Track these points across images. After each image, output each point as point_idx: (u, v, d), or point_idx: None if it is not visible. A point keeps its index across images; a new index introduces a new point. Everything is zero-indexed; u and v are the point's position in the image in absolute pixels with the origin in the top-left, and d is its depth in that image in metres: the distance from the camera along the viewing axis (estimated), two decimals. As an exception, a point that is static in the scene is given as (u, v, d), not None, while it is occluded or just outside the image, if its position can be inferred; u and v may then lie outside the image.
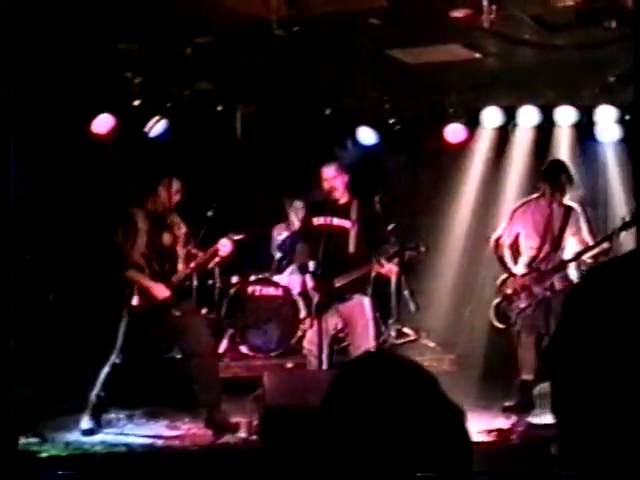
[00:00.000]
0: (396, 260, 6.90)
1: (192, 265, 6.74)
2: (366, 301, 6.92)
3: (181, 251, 6.76)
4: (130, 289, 6.62)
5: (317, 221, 7.01)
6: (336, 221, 6.95)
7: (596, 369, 2.60)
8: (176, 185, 6.72)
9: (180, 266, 6.73)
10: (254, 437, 6.31)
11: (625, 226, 7.20)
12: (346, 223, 6.95)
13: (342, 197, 7.01)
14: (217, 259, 6.81)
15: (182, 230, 6.79)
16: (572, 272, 7.53)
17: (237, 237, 6.77)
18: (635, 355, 2.49)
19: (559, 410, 2.68)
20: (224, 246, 6.63)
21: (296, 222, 8.83)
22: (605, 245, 7.31)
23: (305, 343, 7.07)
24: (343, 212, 6.98)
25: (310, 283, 6.90)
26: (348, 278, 6.83)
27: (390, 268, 6.89)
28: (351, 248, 6.94)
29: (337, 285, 6.83)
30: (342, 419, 1.66)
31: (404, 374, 1.63)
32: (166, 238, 6.73)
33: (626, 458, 2.38)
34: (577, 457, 2.66)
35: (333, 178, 6.97)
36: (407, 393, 1.61)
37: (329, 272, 6.83)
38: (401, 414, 1.60)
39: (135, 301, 6.58)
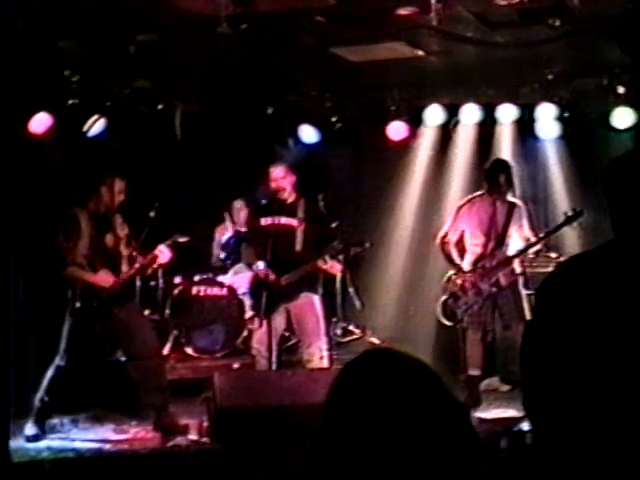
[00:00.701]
0: (341, 257, 6.93)
1: (134, 268, 6.64)
2: (316, 299, 6.92)
3: (124, 252, 6.66)
4: (73, 290, 6.49)
5: (264, 221, 6.99)
6: (283, 220, 6.94)
7: (569, 365, 2.61)
8: (119, 185, 6.60)
9: (124, 267, 6.63)
10: (205, 439, 6.23)
11: (567, 221, 7.33)
12: (293, 222, 6.95)
13: (289, 197, 7.01)
14: (156, 265, 6.75)
15: (125, 231, 6.70)
16: (517, 268, 7.63)
17: (182, 239, 6.71)
18: (611, 349, 2.51)
19: (531, 407, 2.69)
20: (161, 252, 6.57)
21: (235, 222, 8.79)
22: (546, 241, 7.44)
23: (254, 343, 7.02)
24: (290, 211, 6.98)
25: (261, 273, 6.86)
26: (295, 276, 6.82)
27: (334, 265, 6.91)
28: (298, 247, 6.93)
29: (284, 283, 6.81)
30: (347, 416, 1.63)
31: (409, 371, 1.61)
32: (109, 239, 6.61)
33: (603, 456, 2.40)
34: (550, 453, 2.67)
35: (282, 178, 6.96)
36: (412, 390, 1.59)
37: (277, 270, 6.81)
38: (406, 411, 1.58)
39: (78, 302, 6.45)
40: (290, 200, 7.00)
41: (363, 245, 7.15)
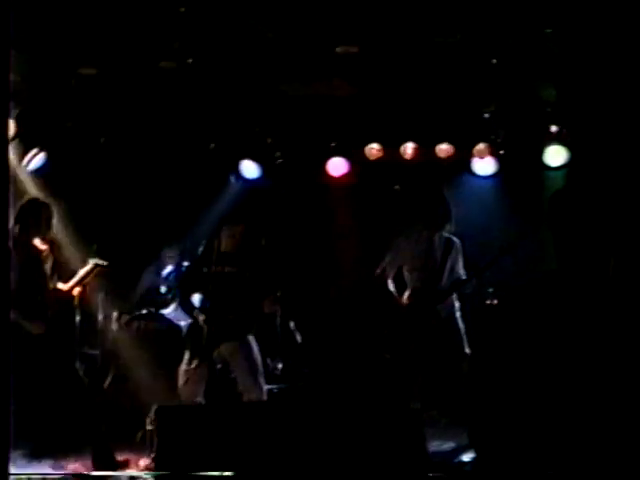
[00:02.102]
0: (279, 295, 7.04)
1: (70, 286, 6.61)
2: (252, 341, 6.95)
3: (51, 283, 6.62)
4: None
5: (206, 269, 7.00)
6: (227, 268, 6.98)
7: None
8: (45, 213, 6.57)
9: (51, 297, 6.58)
10: (144, 473, 6.18)
11: (501, 255, 7.48)
12: (234, 269, 6.98)
13: (233, 248, 7.02)
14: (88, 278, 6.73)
15: (51, 261, 6.65)
16: (455, 302, 7.76)
17: (101, 263, 6.74)
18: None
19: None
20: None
21: (169, 266, 8.80)
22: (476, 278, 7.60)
23: (183, 384, 6.98)
24: (232, 260, 7.00)
25: (201, 317, 6.87)
26: (237, 316, 6.86)
27: (275, 308, 7.00)
28: (240, 290, 6.97)
29: (224, 323, 6.85)
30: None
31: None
32: (37, 270, 6.55)
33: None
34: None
35: (240, 233, 6.99)
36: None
37: (218, 311, 6.85)
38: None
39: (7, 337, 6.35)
40: (233, 250, 7.03)
41: (274, 296, 7.24)
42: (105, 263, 6.80)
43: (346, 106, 8.31)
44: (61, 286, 6.64)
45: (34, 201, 6.67)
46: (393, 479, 5.35)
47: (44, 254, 6.60)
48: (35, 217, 6.51)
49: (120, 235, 8.87)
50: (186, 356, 6.95)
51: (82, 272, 6.68)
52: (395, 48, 6.77)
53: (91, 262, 6.73)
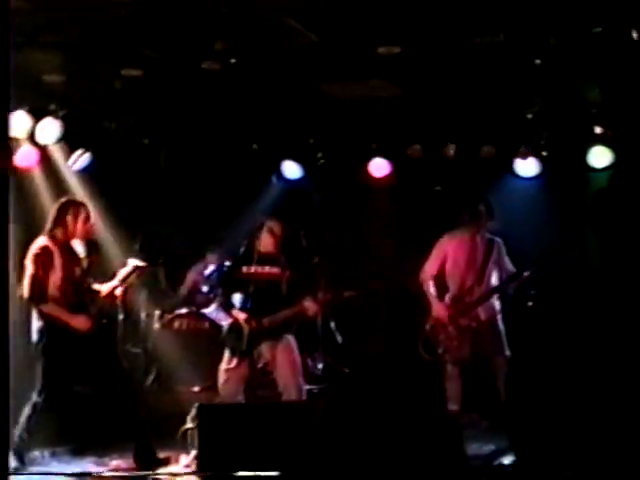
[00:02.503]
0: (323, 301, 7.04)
1: (101, 301, 6.67)
2: (291, 339, 6.98)
3: (87, 282, 6.68)
4: (47, 325, 6.47)
5: (247, 270, 7.04)
6: (267, 269, 7.02)
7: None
8: (83, 214, 6.64)
9: (89, 296, 6.65)
10: (185, 471, 6.23)
11: (542, 259, 7.44)
12: (276, 270, 7.02)
13: (274, 248, 7.06)
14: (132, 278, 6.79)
15: (88, 261, 6.71)
16: (496, 303, 7.72)
17: (141, 265, 6.81)
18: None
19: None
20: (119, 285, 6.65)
21: (212, 266, 8.86)
22: (526, 275, 7.54)
23: (223, 382, 7.02)
24: (273, 260, 7.04)
25: (241, 316, 6.92)
26: (277, 319, 6.90)
27: (313, 308, 7.02)
28: (282, 291, 7.02)
29: (266, 325, 6.89)
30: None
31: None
32: (77, 271, 6.62)
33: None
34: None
35: (274, 229, 7.03)
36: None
37: (259, 311, 6.89)
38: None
39: (51, 337, 6.44)
40: (273, 250, 7.07)
41: (342, 296, 7.22)
42: (145, 265, 6.85)
43: (388, 107, 8.30)
44: (100, 287, 6.71)
45: (72, 202, 6.73)
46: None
47: (82, 255, 6.67)
48: (73, 217, 6.58)
49: (163, 235, 8.95)
50: (226, 355, 6.99)
51: (122, 274, 6.75)
52: (437, 48, 6.73)
53: (131, 264, 6.79)
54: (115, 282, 6.72)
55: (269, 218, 7.21)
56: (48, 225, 6.62)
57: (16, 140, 7.94)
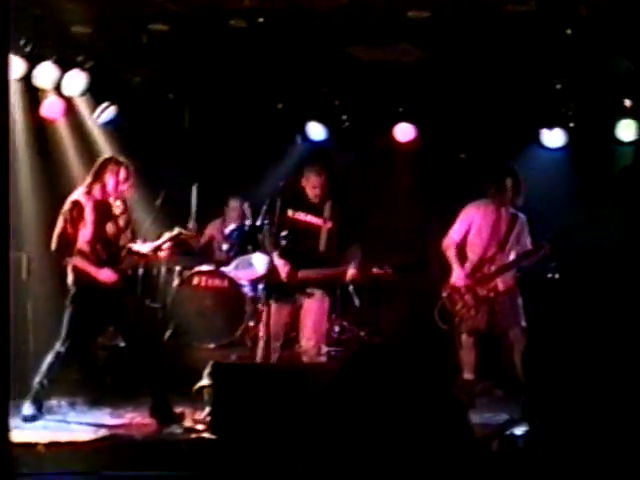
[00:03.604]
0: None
1: (135, 261, 6.73)
2: (325, 298, 7.02)
3: (123, 240, 6.73)
4: (74, 277, 6.55)
5: (292, 214, 7.09)
6: (309, 218, 7.05)
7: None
8: (123, 173, 6.65)
9: (123, 258, 6.70)
10: (199, 427, 6.30)
11: (563, 232, 7.40)
12: (319, 221, 7.05)
13: (317, 196, 7.09)
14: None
15: (125, 220, 6.76)
16: (515, 274, 7.71)
17: (187, 232, 6.88)
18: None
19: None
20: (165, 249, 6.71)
21: (227, 220, 8.87)
22: (544, 251, 7.52)
23: (260, 332, 7.07)
24: (317, 210, 7.07)
25: (283, 267, 6.90)
26: (315, 274, 6.93)
27: (357, 278, 7.05)
28: (321, 246, 7.06)
29: (300, 277, 6.92)
30: (345, 412, 1.68)
31: (407, 366, 1.67)
32: (110, 228, 6.66)
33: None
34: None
35: (318, 175, 7.04)
36: (409, 385, 1.65)
37: (296, 263, 6.92)
38: (404, 405, 1.64)
39: (79, 289, 6.52)
40: (317, 199, 7.10)
41: (385, 271, 7.27)
42: (189, 233, 6.93)
43: (416, 72, 8.23)
44: (140, 248, 6.75)
45: (113, 160, 6.73)
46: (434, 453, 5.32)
47: (119, 212, 6.70)
48: (113, 175, 6.60)
49: (186, 191, 8.96)
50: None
51: (165, 237, 6.82)
52: (468, 15, 6.66)
53: (176, 230, 6.86)
54: (157, 244, 6.79)
55: (312, 167, 7.21)
56: (87, 179, 6.67)
57: (43, 91, 7.97)
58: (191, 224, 7.28)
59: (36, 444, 5.92)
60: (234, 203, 8.98)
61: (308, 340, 6.93)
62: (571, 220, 7.47)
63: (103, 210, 6.62)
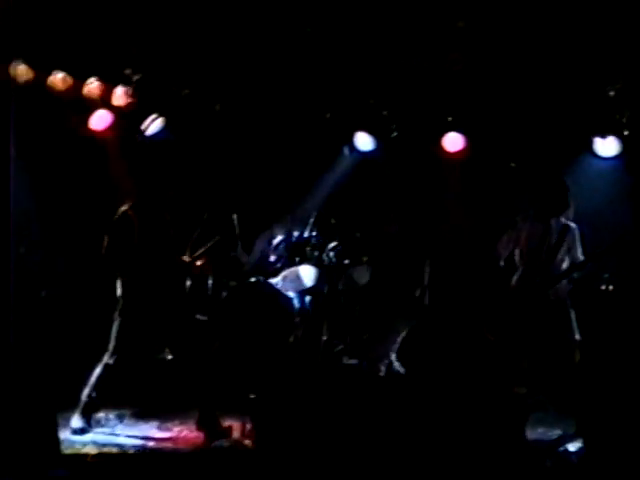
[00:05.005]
0: None
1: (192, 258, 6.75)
2: None
3: (172, 252, 6.72)
4: (124, 289, 6.54)
5: None
6: None
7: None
8: (171, 184, 6.66)
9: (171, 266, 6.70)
10: (247, 441, 6.25)
11: (617, 243, 7.23)
12: None
13: None
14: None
15: (173, 231, 6.75)
16: (565, 286, 7.57)
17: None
18: None
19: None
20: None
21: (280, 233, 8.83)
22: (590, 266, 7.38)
23: None
24: None
25: None
26: None
27: None
28: None
29: None
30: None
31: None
32: (159, 239, 6.66)
33: None
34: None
35: None
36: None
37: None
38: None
39: (127, 301, 6.52)
40: None
41: None
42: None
43: (464, 80, 8.14)
44: (186, 258, 6.75)
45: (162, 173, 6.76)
46: (490, 464, 5.21)
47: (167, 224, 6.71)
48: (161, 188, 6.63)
49: (234, 203, 8.95)
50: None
51: (208, 245, 6.80)
52: (516, 22, 6.56)
53: (217, 237, 6.85)
54: (199, 252, 6.78)
55: None
56: (135, 191, 6.69)
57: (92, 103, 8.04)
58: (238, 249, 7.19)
59: (86, 456, 5.93)
60: (282, 215, 8.96)
61: None
62: (625, 231, 7.29)
63: (153, 222, 6.62)
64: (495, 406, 5.64)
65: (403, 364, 7.61)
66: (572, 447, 6.11)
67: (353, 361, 8.14)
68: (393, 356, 7.58)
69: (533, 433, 6.75)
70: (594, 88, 8.17)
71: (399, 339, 7.73)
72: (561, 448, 6.21)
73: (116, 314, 6.55)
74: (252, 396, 6.20)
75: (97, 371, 6.54)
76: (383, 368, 7.66)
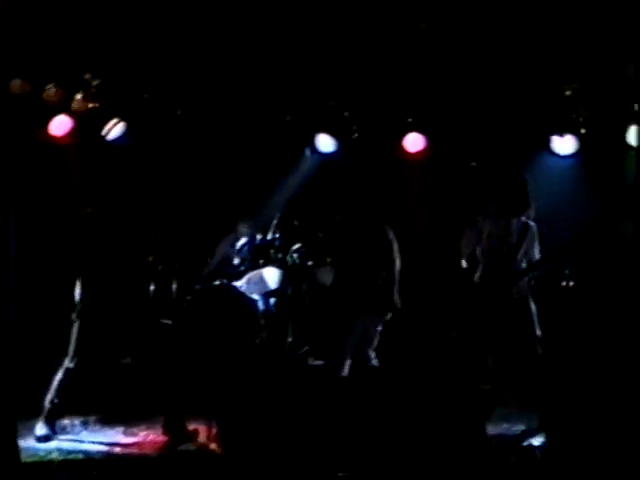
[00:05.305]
0: None
1: None
2: None
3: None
4: (81, 291, 6.52)
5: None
6: None
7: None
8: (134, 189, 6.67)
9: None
10: (213, 445, 6.25)
11: (575, 240, 7.32)
12: None
13: None
14: None
15: (135, 234, 6.74)
16: (527, 283, 7.65)
17: None
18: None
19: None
20: None
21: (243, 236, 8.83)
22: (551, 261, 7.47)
23: None
24: None
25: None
26: None
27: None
28: None
29: None
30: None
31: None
32: (123, 242, 6.65)
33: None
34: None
35: None
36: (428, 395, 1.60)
37: None
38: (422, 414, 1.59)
39: (86, 303, 6.49)
40: None
41: None
42: None
43: (424, 81, 8.21)
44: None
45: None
46: (454, 460, 5.26)
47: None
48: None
49: (196, 207, 8.95)
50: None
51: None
52: (475, 23, 6.63)
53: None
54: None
55: None
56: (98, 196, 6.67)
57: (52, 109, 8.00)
58: None
59: (50, 463, 5.90)
60: (243, 224, 8.97)
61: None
62: (583, 227, 7.38)
63: (114, 225, 6.60)
64: (458, 402, 5.70)
65: (380, 359, 7.69)
66: (536, 442, 6.18)
67: (318, 362, 8.19)
68: (371, 353, 7.62)
69: (497, 428, 6.82)
70: (551, 88, 8.28)
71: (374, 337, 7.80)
72: (525, 443, 6.28)
73: (74, 316, 6.50)
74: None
75: (58, 376, 6.48)
76: (347, 368, 7.70)
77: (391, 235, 7.36)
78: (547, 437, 5.94)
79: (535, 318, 7.50)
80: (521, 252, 7.55)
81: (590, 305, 8.08)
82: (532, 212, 7.56)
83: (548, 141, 8.76)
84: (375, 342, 7.40)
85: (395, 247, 7.30)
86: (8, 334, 6.90)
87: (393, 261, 7.29)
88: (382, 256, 7.30)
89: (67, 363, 6.48)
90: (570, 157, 8.80)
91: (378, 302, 7.32)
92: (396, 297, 7.43)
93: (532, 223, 7.60)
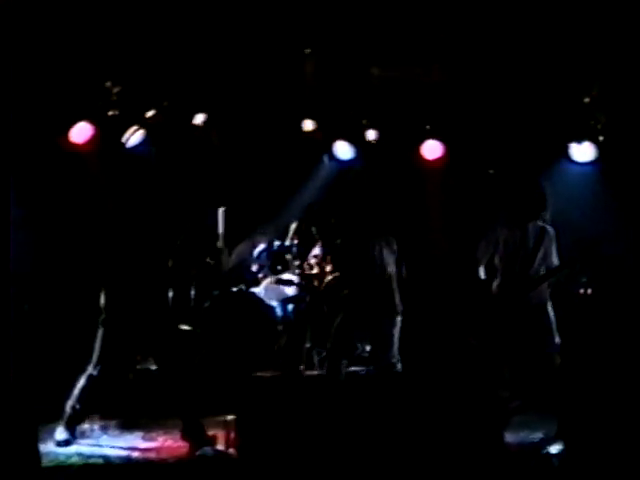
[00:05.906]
0: None
1: None
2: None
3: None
4: (105, 299, 6.57)
5: None
6: None
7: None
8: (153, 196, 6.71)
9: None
10: (232, 450, 6.27)
11: (593, 247, 7.31)
12: None
13: None
14: None
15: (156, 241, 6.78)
16: (546, 290, 7.64)
17: None
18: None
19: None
20: None
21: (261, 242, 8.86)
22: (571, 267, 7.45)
23: None
24: None
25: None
26: None
27: None
28: None
29: None
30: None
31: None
32: (144, 250, 6.70)
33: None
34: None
35: None
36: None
37: None
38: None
39: (110, 311, 6.54)
40: None
41: None
42: None
43: (442, 89, 8.23)
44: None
45: None
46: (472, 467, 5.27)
47: None
48: None
49: (214, 213, 8.99)
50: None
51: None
52: (495, 32, 6.65)
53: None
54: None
55: None
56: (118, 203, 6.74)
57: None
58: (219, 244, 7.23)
59: (70, 467, 5.94)
60: (262, 231, 9.01)
61: None
62: (602, 234, 7.37)
63: (135, 233, 6.65)
64: (477, 409, 5.70)
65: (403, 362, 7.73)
66: (554, 450, 6.17)
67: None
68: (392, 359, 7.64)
69: (515, 436, 6.82)
70: (569, 95, 8.27)
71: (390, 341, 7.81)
72: (543, 451, 6.27)
73: (99, 325, 6.56)
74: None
75: (81, 382, 6.53)
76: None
77: (394, 247, 7.60)
78: (565, 445, 5.93)
79: (554, 325, 7.49)
80: (539, 257, 7.52)
81: (608, 313, 8.06)
82: (548, 216, 7.55)
83: (566, 148, 8.76)
84: (394, 348, 7.42)
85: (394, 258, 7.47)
86: (27, 341, 6.99)
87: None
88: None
89: (90, 370, 6.52)
90: (588, 164, 8.78)
91: (382, 305, 7.47)
92: (397, 300, 7.51)
93: (549, 227, 7.58)
